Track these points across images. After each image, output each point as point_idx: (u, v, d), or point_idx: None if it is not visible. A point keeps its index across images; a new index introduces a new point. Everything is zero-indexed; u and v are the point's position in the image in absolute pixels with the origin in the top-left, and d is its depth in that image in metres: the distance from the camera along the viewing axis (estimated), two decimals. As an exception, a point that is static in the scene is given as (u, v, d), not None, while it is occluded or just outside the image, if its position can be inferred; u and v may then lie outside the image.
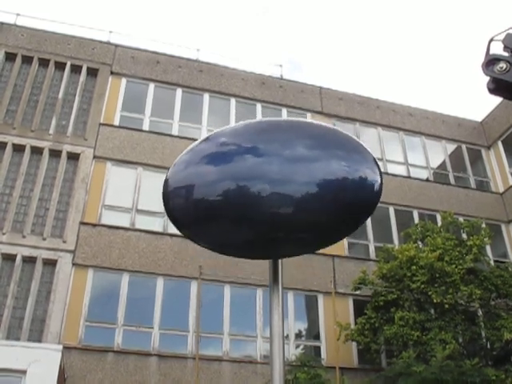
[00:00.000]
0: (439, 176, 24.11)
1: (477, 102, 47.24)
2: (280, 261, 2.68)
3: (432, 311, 16.93)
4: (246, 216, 2.57)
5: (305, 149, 2.66)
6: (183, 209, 2.74)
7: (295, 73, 75.58)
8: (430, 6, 61.85)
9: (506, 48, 3.65)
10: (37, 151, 19.07)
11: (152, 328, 17.23)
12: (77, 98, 20.51)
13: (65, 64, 21.00)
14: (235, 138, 2.78)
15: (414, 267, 16.72)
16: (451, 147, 25.12)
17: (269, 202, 2.52)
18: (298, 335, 19.01)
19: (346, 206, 2.58)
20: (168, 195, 2.79)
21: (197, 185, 2.66)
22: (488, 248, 20.32)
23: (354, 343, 17.76)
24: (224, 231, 2.69)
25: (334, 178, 2.57)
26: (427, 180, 23.74)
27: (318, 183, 2.55)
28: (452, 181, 23.95)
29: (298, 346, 18.66)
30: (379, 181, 2.62)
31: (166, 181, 2.81)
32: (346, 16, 64.22)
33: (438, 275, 16.49)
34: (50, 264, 17.29)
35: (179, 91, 22.08)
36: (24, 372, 13.01)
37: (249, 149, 2.69)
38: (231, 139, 2.78)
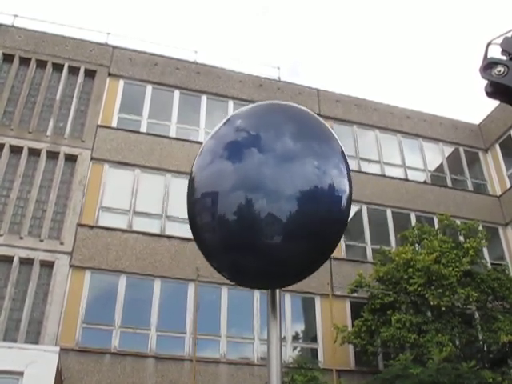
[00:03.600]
0: (436, 178, 24.14)
1: (474, 105, 47.32)
2: (278, 290, 2.45)
3: (429, 314, 16.93)
4: (254, 245, 2.25)
5: (291, 140, 2.36)
6: (210, 231, 2.33)
7: (293, 74, 75.67)
8: (427, 8, 62.02)
9: (503, 52, 3.66)
10: (34, 153, 19.04)
11: (149, 330, 17.21)
12: (74, 100, 20.48)
13: (62, 65, 20.97)
14: (248, 121, 2.50)
15: (411, 270, 16.74)
16: (449, 150, 25.16)
17: (264, 230, 2.23)
18: (295, 337, 19.01)
19: (316, 227, 2.25)
20: (194, 206, 2.35)
21: (220, 192, 2.30)
22: (485, 250, 20.34)
23: (351, 345, 17.77)
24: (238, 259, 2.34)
25: (308, 187, 2.26)
26: (424, 182, 23.77)
27: (298, 197, 2.24)
28: (449, 183, 23.98)
29: (295, 348, 18.67)
30: (348, 190, 2.30)
31: (192, 179, 2.40)
32: (345, 18, 64.39)
33: (434, 278, 16.51)
34: (47, 266, 17.27)
35: (177, 93, 22.07)
36: (21, 374, 13.00)
37: (254, 138, 2.39)
38: (244, 123, 2.50)
